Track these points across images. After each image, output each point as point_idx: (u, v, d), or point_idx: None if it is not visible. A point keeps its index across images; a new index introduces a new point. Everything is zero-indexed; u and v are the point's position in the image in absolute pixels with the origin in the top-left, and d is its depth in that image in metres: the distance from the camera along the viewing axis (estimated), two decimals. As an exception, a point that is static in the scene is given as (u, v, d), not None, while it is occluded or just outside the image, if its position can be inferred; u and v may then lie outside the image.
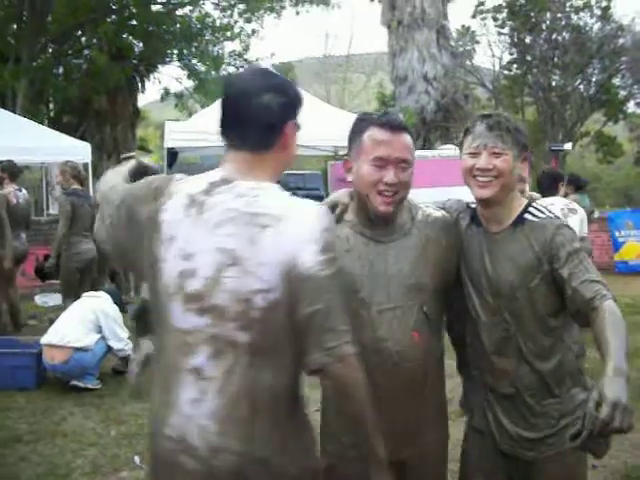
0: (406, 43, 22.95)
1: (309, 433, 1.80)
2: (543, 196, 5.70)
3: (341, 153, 13.06)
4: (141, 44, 21.26)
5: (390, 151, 2.05)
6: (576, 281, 2.00)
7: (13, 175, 7.26)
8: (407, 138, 2.10)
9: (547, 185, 5.64)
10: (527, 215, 2.15)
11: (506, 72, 26.94)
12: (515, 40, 25.60)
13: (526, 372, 2.13)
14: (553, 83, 25.70)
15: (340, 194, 2.25)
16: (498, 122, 2.09)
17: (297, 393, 1.73)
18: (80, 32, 20.51)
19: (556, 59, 25.10)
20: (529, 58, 25.36)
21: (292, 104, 1.78)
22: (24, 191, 7.50)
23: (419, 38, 22.88)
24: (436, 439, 2.25)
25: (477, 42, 27.30)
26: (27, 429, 4.55)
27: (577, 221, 5.48)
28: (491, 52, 27.24)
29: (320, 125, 9.89)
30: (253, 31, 22.13)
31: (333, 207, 2.21)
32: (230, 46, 22.64)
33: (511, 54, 26.39)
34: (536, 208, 2.17)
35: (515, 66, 26.49)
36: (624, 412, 1.65)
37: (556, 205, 5.51)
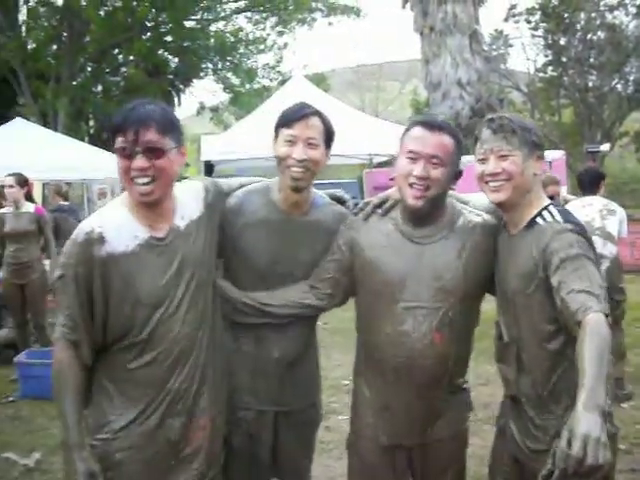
0: (439, 49, 22.88)
1: None
2: (584, 194, 5.59)
3: (376, 161, 13.12)
4: (177, 59, 21.65)
5: (422, 146, 2.16)
6: (564, 291, 1.88)
7: None
8: (443, 138, 2.18)
9: (588, 183, 5.53)
10: (538, 218, 2.10)
11: (541, 74, 26.70)
12: (549, 42, 25.34)
13: (525, 383, 2.12)
14: (590, 84, 25.36)
15: (393, 190, 2.34)
16: (501, 125, 2.09)
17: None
18: (117, 50, 20.96)
19: (592, 59, 24.79)
20: (564, 59, 25.08)
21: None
22: None
23: (452, 44, 22.80)
24: (455, 433, 2.36)
25: (511, 45, 27.15)
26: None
27: (616, 222, 5.34)
28: (525, 55, 27.05)
29: (355, 134, 9.95)
30: (285, 44, 22.39)
31: (383, 201, 2.34)
32: (263, 59, 22.87)
33: (546, 56, 26.14)
34: (549, 212, 2.10)
35: (550, 68, 26.22)
36: (597, 446, 1.53)
37: (595, 205, 5.37)
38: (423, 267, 2.21)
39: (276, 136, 2.34)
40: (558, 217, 2.07)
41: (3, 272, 6.36)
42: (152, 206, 2.06)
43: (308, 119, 2.30)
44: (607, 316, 1.82)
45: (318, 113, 2.34)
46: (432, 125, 2.18)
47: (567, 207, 5.49)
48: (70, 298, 2.02)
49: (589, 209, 5.34)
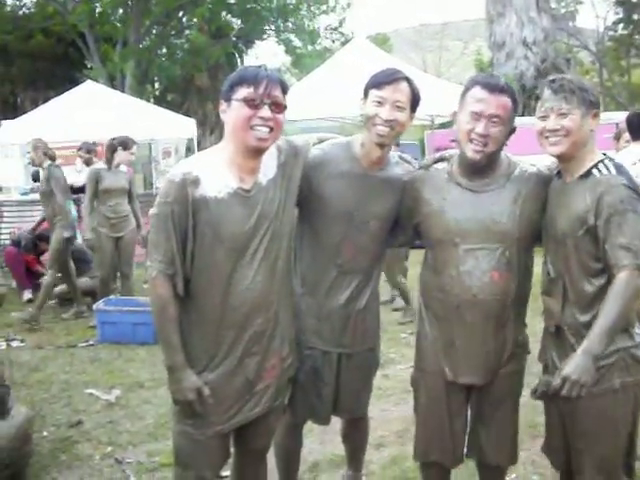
0: (504, 8, 22.34)
1: None
2: (633, 139, 5.23)
3: (438, 122, 13.09)
4: (239, 22, 21.79)
5: (484, 107, 2.35)
6: (608, 243, 2.18)
7: None
8: (503, 99, 2.36)
9: (637, 126, 5.17)
10: (594, 170, 2.29)
11: (611, 33, 25.80)
12: (621, -1, 24.43)
13: (569, 314, 2.32)
14: (663, 43, 24.42)
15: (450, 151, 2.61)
16: (561, 85, 2.27)
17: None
18: (181, 13, 21.22)
19: (666, 17, 23.82)
20: (636, 17, 24.16)
21: (224, 87, 2.28)
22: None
23: (517, 2, 22.21)
24: (511, 371, 2.54)
25: (580, 2, 26.24)
26: (149, 377, 5.03)
27: None
28: (595, 12, 26.13)
29: (416, 95, 9.93)
30: (348, 4, 22.24)
31: (442, 158, 2.60)
32: (326, 20, 22.82)
33: (616, 14, 25.24)
34: (605, 165, 2.29)
35: (621, 26, 25.31)
36: (573, 385, 2.10)
37: None
38: (481, 213, 2.42)
39: (365, 96, 2.54)
40: (613, 170, 2.27)
41: (99, 226, 6.53)
42: (258, 155, 2.28)
43: (398, 83, 2.48)
44: None
45: (407, 79, 2.52)
46: (494, 87, 2.36)
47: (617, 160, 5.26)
48: (167, 234, 2.19)
49: (638, 168, 4.82)
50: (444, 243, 2.46)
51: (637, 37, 24.56)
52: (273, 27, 21.75)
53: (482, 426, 2.62)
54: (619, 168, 2.29)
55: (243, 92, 2.20)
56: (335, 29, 22.49)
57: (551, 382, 2.13)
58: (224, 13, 20.80)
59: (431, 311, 2.57)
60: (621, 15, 25.00)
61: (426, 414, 2.63)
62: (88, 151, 7.37)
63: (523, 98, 21.62)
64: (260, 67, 2.29)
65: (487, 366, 2.48)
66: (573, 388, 2.09)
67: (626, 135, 5.64)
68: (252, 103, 2.20)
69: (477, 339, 2.44)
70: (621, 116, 12.28)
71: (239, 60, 23.07)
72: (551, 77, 2.36)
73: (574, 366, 2.10)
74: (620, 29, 25.43)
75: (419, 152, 16.10)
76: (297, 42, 21.70)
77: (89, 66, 20.63)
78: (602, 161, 2.30)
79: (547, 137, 2.30)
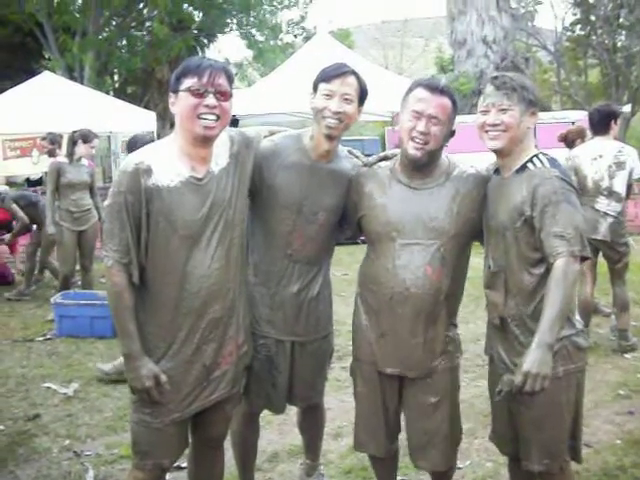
0: (465, 6, 22.65)
1: None
2: (594, 134, 5.32)
3: (398, 118, 13.21)
4: (201, 14, 21.59)
5: (424, 107, 2.43)
6: (543, 233, 2.26)
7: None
8: (444, 100, 2.45)
9: (597, 121, 5.27)
10: (529, 164, 2.39)
11: (569, 33, 26.23)
12: (578, 0, 24.85)
13: (511, 305, 2.41)
14: (618, 44, 24.88)
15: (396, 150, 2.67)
16: (504, 82, 2.37)
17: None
18: (142, 4, 20.94)
19: (621, 19, 24.27)
20: (593, 18, 24.60)
21: (172, 80, 2.33)
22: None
23: (478, 0, 22.50)
24: (442, 369, 2.59)
25: (539, 2, 26.60)
26: (108, 371, 4.98)
27: (624, 178, 5.15)
28: (553, 13, 26.52)
29: (378, 91, 9.97)
30: (311, -1, 22.22)
31: (386, 156, 2.68)
32: (288, 15, 22.80)
33: (574, 14, 25.62)
34: (539, 159, 2.39)
35: (579, 27, 25.72)
36: (535, 380, 2.10)
37: (605, 158, 5.15)
38: (419, 209, 2.50)
39: (315, 90, 2.61)
40: (547, 164, 2.38)
41: (61, 220, 6.50)
42: (206, 143, 2.32)
43: (346, 77, 2.57)
44: (577, 256, 2.21)
45: (355, 73, 2.61)
46: (434, 88, 2.45)
47: (578, 154, 5.24)
48: (121, 223, 2.25)
49: (599, 164, 5.17)
50: (382, 237, 2.54)
51: (594, 38, 24.96)
52: (235, 21, 21.62)
53: (411, 428, 2.65)
54: (553, 161, 2.39)
55: (188, 82, 2.26)
56: (297, 24, 22.47)
57: (513, 380, 2.16)
58: (185, 5, 20.56)
59: (366, 302, 2.64)
60: (579, 16, 25.41)
61: (362, 404, 2.72)
62: (52, 142, 7.23)
63: (483, 96, 21.97)
64: (205, 58, 2.35)
65: (415, 359, 2.54)
66: (535, 382, 2.11)
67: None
68: (197, 92, 2.25)
69: (406, 331, 2.51)
70: (577, 115, 12.56)
71: (201, 53, 22.87)
72: (494, 74, 2.46)
73: (532, 360, 2.12)
74: (578, 30, 25.81)
75: (379, 147, 16.24)
76: (259, 36, 21.63)
77: (47, 57, 20.25)
78: (537, 155, 2.41)
79: (487, 131, 2.39)
